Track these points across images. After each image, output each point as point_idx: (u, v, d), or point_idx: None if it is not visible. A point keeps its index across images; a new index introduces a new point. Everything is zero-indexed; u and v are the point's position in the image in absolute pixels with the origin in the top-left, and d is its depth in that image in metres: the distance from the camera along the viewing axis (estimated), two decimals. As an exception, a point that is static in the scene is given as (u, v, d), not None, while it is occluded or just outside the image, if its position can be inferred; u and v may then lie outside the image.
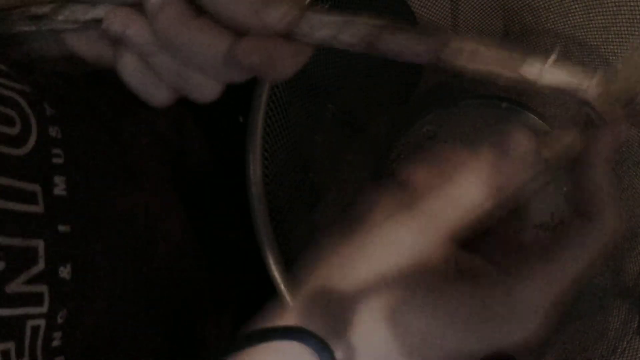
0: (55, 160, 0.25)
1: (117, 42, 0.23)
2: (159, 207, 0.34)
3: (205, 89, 0.23)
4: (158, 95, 0.23)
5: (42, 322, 0.23)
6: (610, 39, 0.47)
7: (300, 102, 0.45)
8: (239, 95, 0.47)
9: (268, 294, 0.37)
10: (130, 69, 0.23)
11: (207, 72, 0.22)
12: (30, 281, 0.22)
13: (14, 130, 0.23)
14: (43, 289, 0.23)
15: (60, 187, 0.25)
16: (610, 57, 0.48)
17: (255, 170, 0.38)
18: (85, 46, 0.24)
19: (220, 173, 0.44)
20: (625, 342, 0.46)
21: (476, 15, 0.55)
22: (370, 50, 0.22)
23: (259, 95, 0.39)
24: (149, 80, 0.23)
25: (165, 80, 0.23)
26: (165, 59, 0.22)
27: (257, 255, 0.37)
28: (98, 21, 0.22)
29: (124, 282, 0.29)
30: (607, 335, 0.48)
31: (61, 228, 0.24)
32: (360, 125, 0.57)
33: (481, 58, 0.21)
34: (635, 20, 0.45)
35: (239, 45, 0.21)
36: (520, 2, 0.52)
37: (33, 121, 0.24)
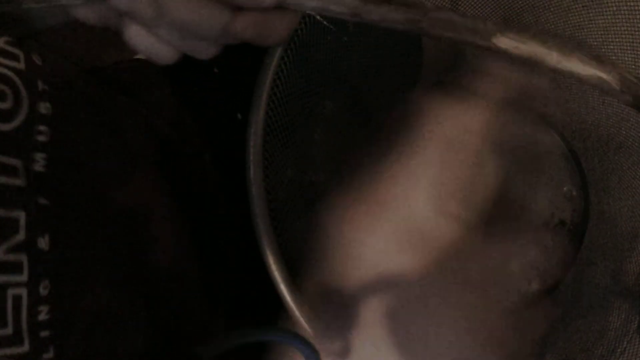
0: (39, 138, 0.26)
1: (123, 14, 0.24)
2: (155, 203, 0.35)
3: (207, 51, 0.26)
4: (163, 56, 0.26)
5: (23, 292, 0.24)
6: (610, 39, 0.47)
7: (300, 101, 0.45)
8: (237, 93, 0.47)
9: (266, 295, 0.37)
10: (136, 37, 0.25)
11: (207, 40, 0.25)
12: (10, 250, 0.24)
13: (5, 105, 0.25)
14: (22, 257, 0.24)
15: (39, 164, 0.26)
16: (611, 57, 0.48)
17: (255, 170, 0.38)
18: (92, 16, 0.25)
19: (219, 171, 0.44)
20: (625, 342, 0.46)
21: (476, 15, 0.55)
22: (356, 18, 0.24)
23: (259, 95, 0.39)
24: (154, 45, 0.25)
25: (169, 44, 0.25)
26: (168, 30, 0.24)
27: (257, 255, 0.37)
28: None
29: (116, 271, 0.30)
30: (607, 335, 0.48)
31: (41, 200, 0.26)
32: (359, 124, 0.57)
33: (456, 27, 0.23)
34: (635, 20, 0.45)
35: (235, 22, 0.23)
36: (520, 2, 0.52)
37: (24, 97, 0.26)
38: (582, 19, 0.48)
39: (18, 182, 0.25)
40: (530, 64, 0.23)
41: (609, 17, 0.46)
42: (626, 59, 0.46)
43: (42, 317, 0.24)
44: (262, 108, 0.39)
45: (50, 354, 0.24)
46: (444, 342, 0.19)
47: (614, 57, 0.47)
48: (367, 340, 0.19)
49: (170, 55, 0.26)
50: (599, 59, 0.23)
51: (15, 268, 0.24)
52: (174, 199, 0.37)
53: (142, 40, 0.25)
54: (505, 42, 0.23)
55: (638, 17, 0.44)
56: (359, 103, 0.56)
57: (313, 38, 0.43)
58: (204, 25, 0.23)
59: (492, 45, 0.23)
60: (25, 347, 0.23)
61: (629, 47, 0.46)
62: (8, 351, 0.23)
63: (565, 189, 0.56)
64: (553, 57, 0.23)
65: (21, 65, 0.27)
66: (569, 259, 0.54)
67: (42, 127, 0.27)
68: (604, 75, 0.23)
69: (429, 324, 0.19)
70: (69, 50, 0.35)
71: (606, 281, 0.51)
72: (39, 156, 0.26)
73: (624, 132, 0.51)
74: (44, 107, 0.27)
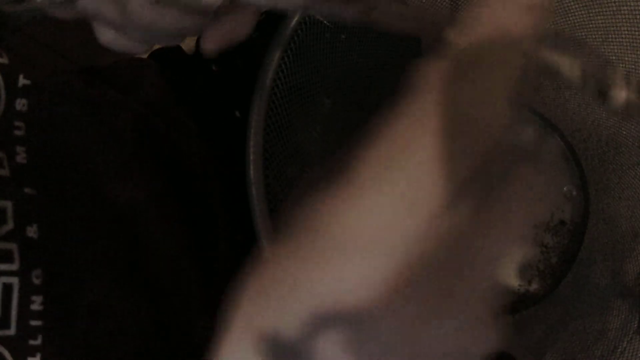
0: (16, 132, 0.27)
1: (93, 17, 0.25)
2: (154, 202, 0.35)
3: (174, 42, 0.27)
4: (134, 50, 0.26)
5: (14, 281, 0.24)
6: (610, 39, 0.47)
7: (300, 100, 0.45)
8: (235, 91, 0.47)
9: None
10: (107, 37, 0.26)
11: (174, 37, 0.26)
12: (0, 239, 0.24)
13: None
14: (12, 246, 0.25)
15: (21, 156, 0.27)
16: (611, 57, 0.48)
17: (255, 170, 0.38)
18: (67, 15, 0.26)
19: (218, 170, 0.44)
20: (625, 342, 0.46)
21: (476, 15, 0.55)
22: (306, 14, 0.24)
23: (259, 95, 0.39)
24: (124, 43, 0.26)
25: (138, 41, 0.26)
26: (136, 31, 0.25)
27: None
28: (73, 1, 0.24)
29: (114, 267, 0.30)
30: (607, 335, 0.48)
31: (27, 190, 0.26)
32: (358, 123, 0.57)
33: (408, 19, 0.23)
34: (635, 20, 0.45)
35: (204, 42, 0.25)
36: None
37: (3, 93, 0.27)
38: (582, 19, 0.48)
39: (3, 172, 0.25)
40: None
41: (609, 17, 0.46)
42: (626, 59, 0.46)
43: (35, 307, 0.25)
44: (262, 108, 0.39)
45: (38, 342, 0.25)
46: (434, 346, 0.18)
47: (613, 57, 0.47)
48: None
49: (139, 49, 0.26)
50: (561, 49, 0.23)
51: (6, 257, 0.24)
52: (172, 198, 0.37)
53: (113, 39, 0.25)
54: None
55: (638, 17, 0.44)
56: (358, 102, 0.56)
57: (312, 38, 0.43)
58: (168, 27, 0.24)
59: (450, 37, 0.22)
60: (11, 331, 0.24)
61: (629, 47, 0.46)
62: None
63: (565, 189, 0.56)
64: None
65: (4, 60, 0.27)
66: (569, 259, 0.54)
67: (18, 123, 0.27)
68: (565, 65, 0.23)
69: (420, 329, 0.18)
70: (66, 49, 0.35)
71: (606, 281, 0.51)
72: (20, 149, 0.27)
73: (624, 132, 0.51)
74: (19, 104, 0.28)
